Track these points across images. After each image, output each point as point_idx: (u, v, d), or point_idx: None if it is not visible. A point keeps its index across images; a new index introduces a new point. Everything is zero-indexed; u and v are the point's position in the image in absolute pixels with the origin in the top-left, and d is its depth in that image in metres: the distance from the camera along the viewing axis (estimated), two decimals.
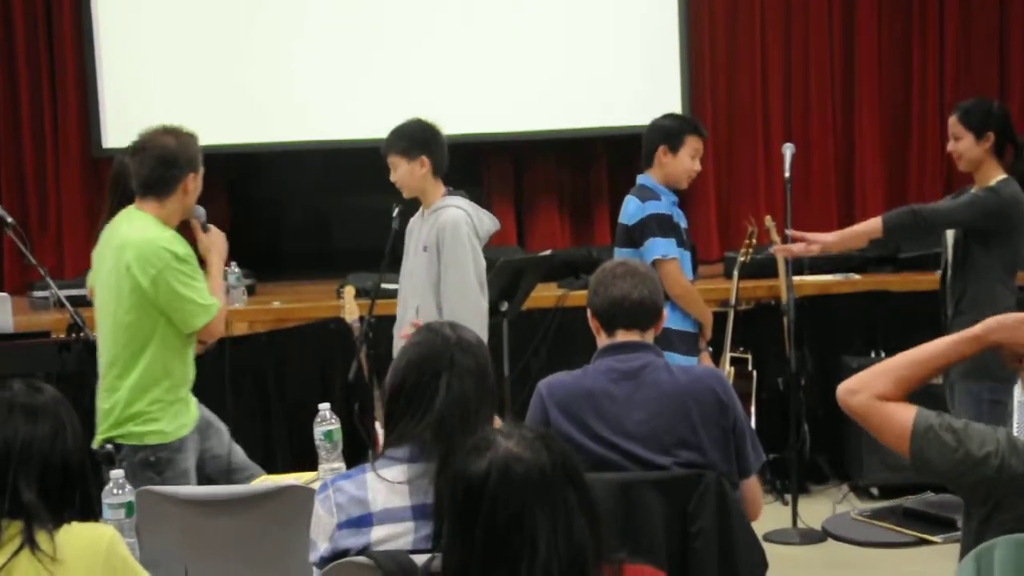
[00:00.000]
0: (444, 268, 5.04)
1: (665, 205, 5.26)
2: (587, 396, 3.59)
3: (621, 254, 5.27)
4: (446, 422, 2.85)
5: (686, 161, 5.32)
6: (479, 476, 2.19)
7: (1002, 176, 5.03)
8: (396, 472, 2.88)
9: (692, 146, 5.33)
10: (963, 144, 5.07)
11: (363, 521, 2.86)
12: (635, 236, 5.25)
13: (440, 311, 5.02)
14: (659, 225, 5.22)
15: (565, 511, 2.18)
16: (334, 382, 6.63)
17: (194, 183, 4.37)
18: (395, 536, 2.85)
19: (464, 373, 2.90)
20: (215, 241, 4.53)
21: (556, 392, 3.62)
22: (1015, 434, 2.86)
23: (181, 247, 4.30)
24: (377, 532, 2.86)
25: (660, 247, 5.19)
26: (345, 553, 2.87)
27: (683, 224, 5.41)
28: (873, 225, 5.14)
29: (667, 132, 5.35)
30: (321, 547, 2.89)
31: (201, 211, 4.55)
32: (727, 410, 3.57)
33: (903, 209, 5.15)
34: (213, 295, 4.38)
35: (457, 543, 2.22)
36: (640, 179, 5.38)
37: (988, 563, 2.71)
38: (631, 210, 5.29)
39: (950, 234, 5.14)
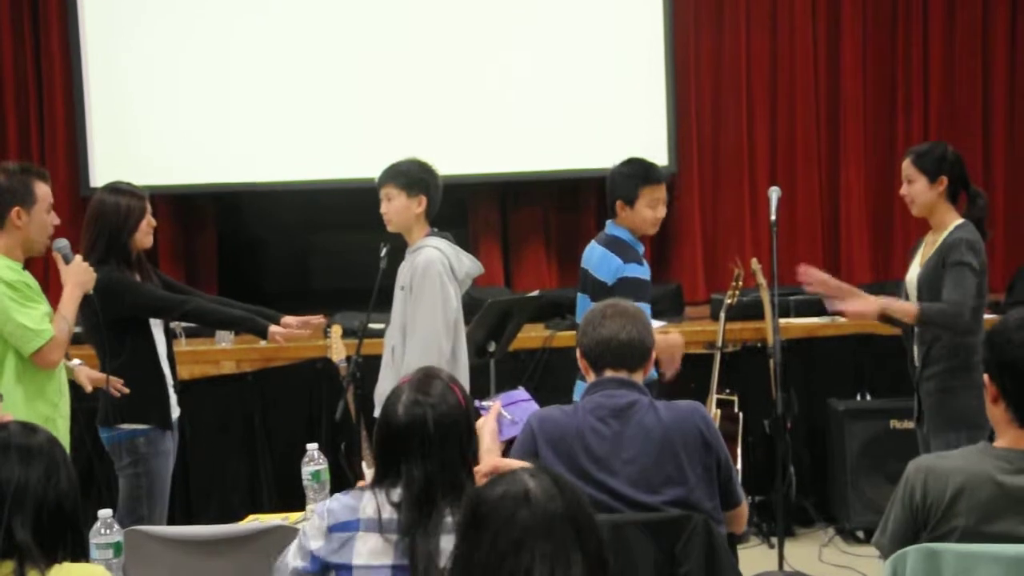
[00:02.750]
0: (412, 308, 5.05)
1: (644, 270, 5.16)
2: (577, 434, 3.60)
3: (583, 301, 5.28)
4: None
5: (645, 213, 5.19)
6: (491, 499, 2.29)
7: (959, 220, 4.96)
8: (393, 494, 2.98)
9: (648, 197, 5.18)
10: (916, 188, 4.99)
11: (350, 526, 2.98)
12: (611, 295, 5.21)
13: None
14: (637, 289, 5.06)
15: (565, 559, 2.23)
16: (321, 422, 6.64)
17: (24, 217, 4.46)
18: (377, 547, 2.94)
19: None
20: (72, 271, 4.55)
21: (547, 428, 3.63)
22: None
23: (13, 274, 4.42)
24: (361, 541, 2.95)
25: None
26: (326, 567, 2.98)
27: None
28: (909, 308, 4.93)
29: (622, 187, 5.20)
30: (312, 545, 3.00)
31: (62, 243, 4.60)
32: (711, 448, 3.61)
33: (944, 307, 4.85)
34: (56, 322, 4.45)
35: (459, 556, 2.32)
36: (611, 229, 5.27)
37: (902, 569, 2.96)
38: (612, 267, 5.15)
39: (912, 277, 5.06)
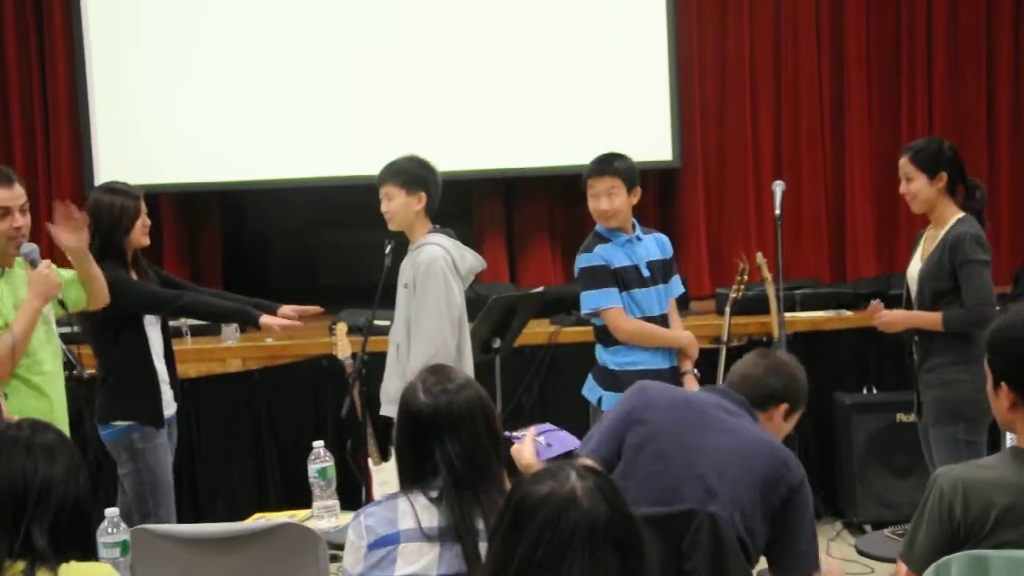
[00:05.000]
0: (416, 305, 5.06)
1: (595, 256, 5.20)
2: (685, 402, 3.67)
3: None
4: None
5: (591, 202, 5.26)
6: (536, 497, 2.20)
7: (960, 215, 4.98)
8: (429, 496, 2.95)
9: (589, 187, 5.25)
10: (916, 185, 5.00)
11: (390, 540, 2.93)
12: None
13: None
14: (591, 278, 5.19)
15: (604, 571, 2.17)
16: (327, 419, 6.64)
17: None
18: (421, 555, 2.91)
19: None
20: (33, 279, 4.34)
21: (654, 398, 3.69)
22: None
23: None
24: (404, 551, 2.91)
25: (590, 301, 5.19)
26: None
27: (651, 256, 5.33)
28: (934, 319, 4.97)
29: (583, 175, 5.33)
30: (353, 572, 2.95)
31: (29, 248, 4.38)
32: (784, 498, 3.55)
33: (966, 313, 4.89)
34: (13, 329, 4.28)
35: (495, 559, 2.24)
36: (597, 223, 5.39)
37: None
38: (576, 262, 5.34)
39: (913, 272, 5.09)
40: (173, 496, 5.08)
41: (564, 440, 3.84)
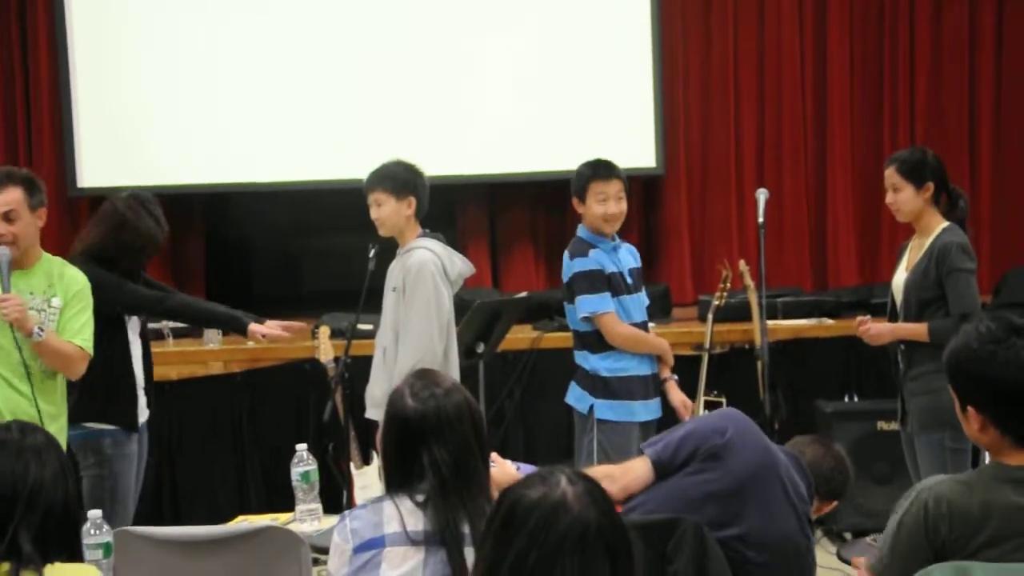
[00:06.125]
0: (405, 309, 5.05)
1: (592, 260, 5.24)
2: (765, 460, 3.68)
3: (568, 310, 5.39)
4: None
5: (594, 208, 5.28)
6: (527, 502, 2.20)
7: (945, 224, 5.02)
8: (415, 500, 2.95)
9: (595, 191, 5.27)
10: (903, 195, 5.03)
11: (375, 543, 2.92)
12: (569, 294, 5.30)
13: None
14: (587, 281, 5.23)
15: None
16: (308, 423, 6.63)
17: None
18: (406, 559, 2.91)
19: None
20: None
21: (739, 438, 3.68)
22: None
23: None
24: (389, 554, 2.91)
25: (587, 304, 5.22)
26: None
27: (629, 264, 5.39)
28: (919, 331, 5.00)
29: (575, 182, 5.34)
30: (338, 575, 2.95)
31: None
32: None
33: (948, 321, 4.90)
34: None
35: (486, 563, 2.23)
36: (578, 229, 5.41)
37: None
38: (564, 267, 5.35)
39: (899, 282, 5.12)
40: (132, 507, 5.03)
41: (526, 466, 3.87)
